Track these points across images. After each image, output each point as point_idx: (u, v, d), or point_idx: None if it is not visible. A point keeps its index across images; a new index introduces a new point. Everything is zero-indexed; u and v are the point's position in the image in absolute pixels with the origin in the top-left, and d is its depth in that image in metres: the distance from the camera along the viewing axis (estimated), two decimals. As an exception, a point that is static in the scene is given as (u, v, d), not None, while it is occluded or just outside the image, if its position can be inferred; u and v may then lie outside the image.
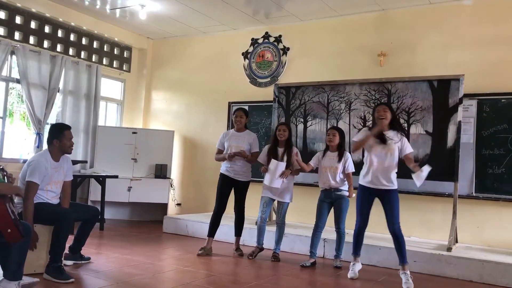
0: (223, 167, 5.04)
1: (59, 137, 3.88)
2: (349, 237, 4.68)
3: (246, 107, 7.00)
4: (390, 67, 5.93)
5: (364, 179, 4.18)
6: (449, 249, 4.72)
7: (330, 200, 4.68)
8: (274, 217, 5.59)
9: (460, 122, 5.03)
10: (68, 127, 3.99)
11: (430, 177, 4.28)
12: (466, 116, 5.29)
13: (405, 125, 5.40)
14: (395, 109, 5.45)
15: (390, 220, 4.03)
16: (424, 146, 5.29)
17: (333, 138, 4.69)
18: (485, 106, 5.35)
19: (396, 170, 4.10)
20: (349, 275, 4.26)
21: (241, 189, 5.03)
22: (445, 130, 5.20)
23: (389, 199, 4.06)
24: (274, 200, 4.94)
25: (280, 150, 4.86)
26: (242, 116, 5.02)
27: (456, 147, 5.05)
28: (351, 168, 4.67)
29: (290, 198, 4.90)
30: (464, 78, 5.04)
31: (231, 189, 5.03)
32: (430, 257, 4.60)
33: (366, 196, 4.17)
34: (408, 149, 4.11)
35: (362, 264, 4.41)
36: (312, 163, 4.82)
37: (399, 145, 4.09)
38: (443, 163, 5.10)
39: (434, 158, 5.21)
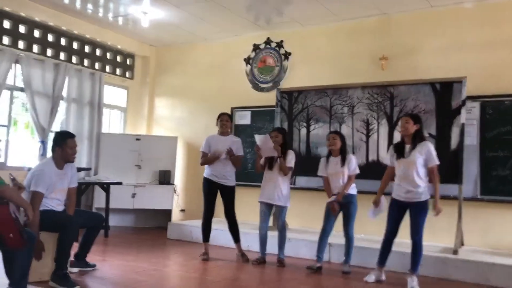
0: (207, 171, 5.06)
1: (61, 145, 3.88)
2: (357, 241, 4.67)
3: (249, 112, 7.05)
4: (392, 71, 5.93)
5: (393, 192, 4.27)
6: (455, 252, 4.70)
7: (338, 205, 4.63)
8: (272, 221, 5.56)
9: (463, 124, 5.02)
10: (71, 135, 3.99)
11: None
12: (469, 118, 5.27)
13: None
14: (398, 112, 5.46)
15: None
16: (427, 149, 5.27)
17: (334, 142, 4.67)
18: (488, 108, 5.34)
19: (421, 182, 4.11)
20: (366, 277, 4.27)
21: (228, 194, 5.04)
22: (448, 133, 5.18)
23: (414, 211, 4.11)
24: (272, 205, 4.92)
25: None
26: (228, 120, 5.11)
27: (460, 149, 5.04)
28: (352, 170, 4.63)
29: (287, 202, 4.86)
30: (466, 80, 5.04)
31: (216, 192, 5.05)
32: (436, 261, 4.58)
33: (394, 207, 4.24)
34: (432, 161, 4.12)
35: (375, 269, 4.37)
36: (323, 173, 4.74)
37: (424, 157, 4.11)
38: (447, 166, 5.06)
39: (439, 160, 5.18)
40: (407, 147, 4.17)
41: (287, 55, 6.87)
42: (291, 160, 4.86)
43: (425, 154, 4.08)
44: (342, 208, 4.63)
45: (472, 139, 5.32)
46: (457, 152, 5.07)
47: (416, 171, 4.07)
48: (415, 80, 5.47)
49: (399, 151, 4.23)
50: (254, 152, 6.79)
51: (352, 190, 4.66)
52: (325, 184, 4.75)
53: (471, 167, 5.26)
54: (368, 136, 5.66)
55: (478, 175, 5.30)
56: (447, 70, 5.51)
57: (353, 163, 4.65)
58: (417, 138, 4.15)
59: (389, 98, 5.57)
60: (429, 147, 4.12)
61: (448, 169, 5.05)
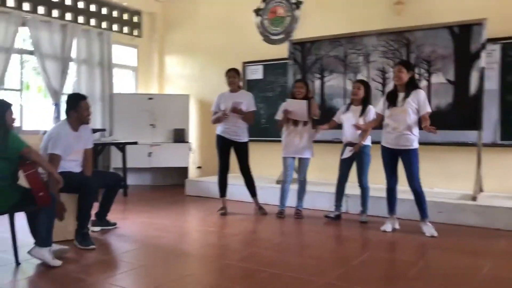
0: (220, 128, 5.02)
1: (75, 108, 3.88)
2: (373, 191, 4.66)
3: (261, 67, 6.91)
4: (408, 16, 5.68)
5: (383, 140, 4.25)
6: (474, 198, 4.67)
7: (351, 155, 4.62)
8: (295, 175, 5.57)
9: (483, 68, 4.85)
10: (83, 97, 3.98)
11: (452, 126, 4.19)
12: (489, 62, 5.07)
13: (426, 74, 5.24)
14: (415, 59, 5.29)
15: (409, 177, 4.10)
16: (446, 96, 5.13)
17: (357, 91, 4.60)
18: (509, 51, 5.13)
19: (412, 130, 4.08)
20: (382, 227, 4.28)
21: (241, 150, 5.02)
22: (467, 78, 5.02)
23: (407, 159, 4.10)
24: (295, 158, 4.92)
25: None
26: (235, 76, 4.99)
27: (479, 94, 4.89)
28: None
29: (311, 153, 4.87)
30: (486, 22, 4.82)
31: (230, 148, 5.04)
32: (455, 207, 4.56)
33: (386, 155, 4.24)
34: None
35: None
36: (336, 118, 4.78)
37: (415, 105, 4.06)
38: (466, 112, 4.96)
39: (457, 107, 5.06)
40: (400, 95, 4.11)
41: (298, 4, 6.63)
42: (315, 108, 4.83)
43: (418, 102, 4.05)
44: (356, 158, 4.61)
45: (492, 83, 5.14)
46: (476, 98, 4.93)
47: (409, 119, 4.05)
48: (432, 24, 5.25)
49: (391, 99, 4.17)
50: (268, 107, 6.76)
51: (366, 140, 4.61)
52: (329, 125, 4.78)
53: (491, 112, 5.12)
54: (384, 85, 5.52)
55: (498, 120, 5.17)
56: (466, 12, 5.25)
57: (371, 115, 4.57)
58: (410, 86, 4.10)
59: (405, 45, 5.38)
60: (422, 94, 4.10)
61: (467, 115, 4.94)
